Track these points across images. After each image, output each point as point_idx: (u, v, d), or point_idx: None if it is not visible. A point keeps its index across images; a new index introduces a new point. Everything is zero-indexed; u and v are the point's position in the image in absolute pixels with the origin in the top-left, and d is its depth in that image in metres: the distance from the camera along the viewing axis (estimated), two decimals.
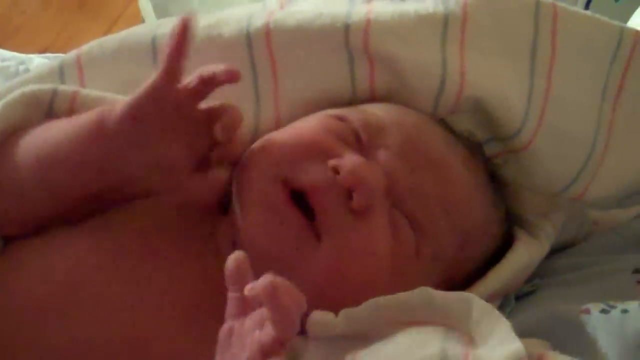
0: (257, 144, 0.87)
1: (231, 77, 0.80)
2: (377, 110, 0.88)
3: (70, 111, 0.88)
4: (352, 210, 0.79)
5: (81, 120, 0.83)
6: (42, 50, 1.53)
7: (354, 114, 0.87)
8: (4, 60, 1.31)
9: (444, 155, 0.87)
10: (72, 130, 0.82)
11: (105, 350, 0.79)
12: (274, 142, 0.85)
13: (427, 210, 0.83)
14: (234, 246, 0.81)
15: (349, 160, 0.81)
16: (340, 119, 0.87)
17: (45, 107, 0.89)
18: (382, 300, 0.76)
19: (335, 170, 0.80)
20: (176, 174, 0.83)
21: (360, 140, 0.85)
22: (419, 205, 0.83)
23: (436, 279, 0.83)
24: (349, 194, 0.80)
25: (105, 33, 2.06)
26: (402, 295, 0.76)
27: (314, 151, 0.83)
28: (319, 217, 0.79)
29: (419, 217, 0.83)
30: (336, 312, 0.76)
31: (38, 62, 1.31)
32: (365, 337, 0.75)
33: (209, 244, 0.85)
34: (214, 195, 0.89)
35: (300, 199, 0.81)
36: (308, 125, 0.87)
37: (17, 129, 0.87)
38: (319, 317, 0.75)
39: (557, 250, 0.99)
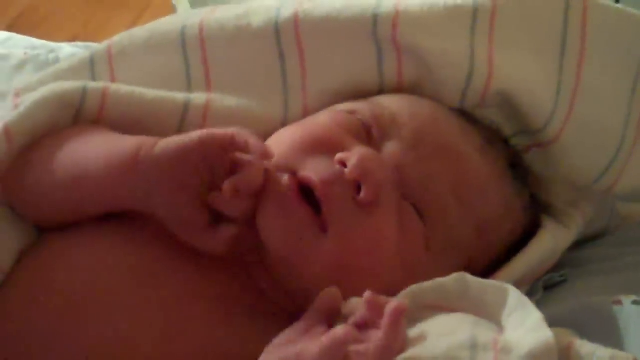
0: (269, 140, 0.88)
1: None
2: (389, 102, 0.89)
3: (101, 110, 0.90)
4: (359, 203, 0.80)
5: (119, 148, 0.83)
6: (70, 40, 1.54)
7: (365, 107, 0.88)
8: (34, 48, 1.33)
9: (457, 144, 0.87)
10: (108, 156, 0.83)
11: (133, 348, 0.80)
12: (284, 139, 0.86)
13: (439, 200, 0.84)
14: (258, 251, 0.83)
15: (356, 153, 0.81)
16: (351, 112, 0.87)
17: (75, 107, 0.90)
18: (418, 286, 0.77)
19: (343, 164, 0.81)
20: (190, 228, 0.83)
21: (371, 134, 0.85)
22: (430, 195, 0.83)
23: (453, 268, 0.82)
24: (356, 187, 0.80)
25: (133, 22, 2.08)
26: (438, 280, 0.77)
27: (322, 146, 0.83)
28: (325, 210, 0.80)
29: (430, 207, 0.83)
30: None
31: (68, 50, 1.33)
32: None
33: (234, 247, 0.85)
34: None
35: (310, 194, 0.81)
36: (318, 121, 0.88)
37: (47, 129, 0.89)
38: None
39: (588, 240, 1.00)
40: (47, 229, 0.88)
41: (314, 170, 0.81)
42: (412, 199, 0.83)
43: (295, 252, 0.80)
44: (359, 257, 0.80)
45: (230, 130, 0.80)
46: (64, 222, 0.87)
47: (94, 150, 0.85)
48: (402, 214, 0.82)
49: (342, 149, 0.82)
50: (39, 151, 0.88)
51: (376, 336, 0.71)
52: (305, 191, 0.81)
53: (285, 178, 0.81)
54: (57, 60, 1.30)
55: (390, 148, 0.84)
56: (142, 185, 0.81)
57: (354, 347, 0.70)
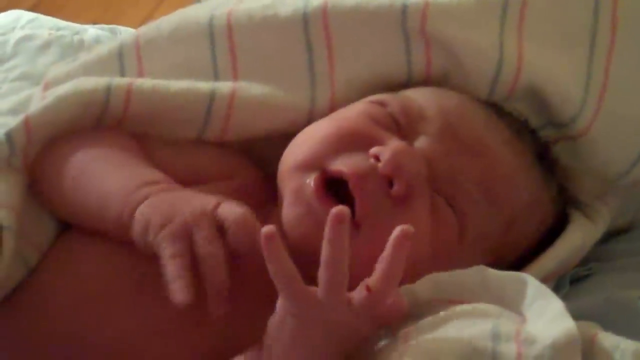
0: (299, 135, 0.89)
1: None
2: (417, 96, 0.89)
3: (126, 107, 0.92)
4: (392, 198, 0.81)
5: (105, 202, 0.84)
6: (90, 23, 1.55)
7: (393, 99, 0.88)
8: (58, 29, 1.33)
9: (485, 138, 0.88)
10: (97, 206, 0.85)
11: (155, 340, 0.82)
12: (315, 133, 0.87)
13: (468, 193, 0.84)
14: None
15: (390, 147, 0.82)
16: (380, 104, 0.88)
17: (100, 105, 0.92)
18: (439, 276, 0.78)
19: (376, 158, 0.82)
20: None
21: (401, 126, 0.86)
22: (460, 189, 0.84)
23: (483, 261, 0.83)
24: (389, 181, 0.81)
25: (154, 8, 2.09)
26: (458, 273, 0.78)
27: (354, 140, 0.84)
28: (358, 204, 0.80)
29: (460, 201, 0.84)
30: None
31: (92, 32, 1.33)
32: (417, 314, 0.77)
33: None
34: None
35: (337, 189, 0.82)
36: (348, 113, 0.89)
37: (70, 125, 0.91)
38: None
39: (614, 234, 1.01)
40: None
41: (346, 165, 0.82)
42: (443, 193, 0.83)
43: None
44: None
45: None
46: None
47: (91, 184, 0.87)
48: (435, 208, 0.83)
49: (375, 143, 0.83)
50: (58, 155, 0.90)
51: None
52: (334, 188, 0.82)
53: (311, 178, 0.82)
54: (81, 42, 1.31)
55: (420, 142, 0.85)
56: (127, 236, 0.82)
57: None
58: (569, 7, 0.94)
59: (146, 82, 0.93)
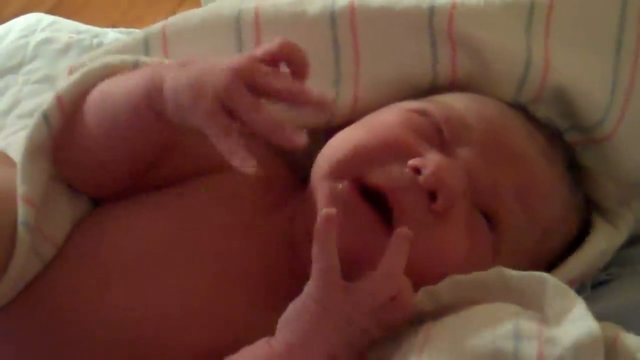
0: (334, 139, 0.89)
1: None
2: (457, 103, 0.90)
3: None
4: (431, 211, 0.81)
5: (133, 86, 0.84)
6: (109, 27, 1.57)
7: (436, 108, 0.88)
8: (79, 32, 1.34)
9: (524, 149, 0.88)
10: (125, 95, 0.85)
11: (174, 318, 0.83)
12: (350, 140, 0.87)
13: (507, 207, 0.85)
14: (309, 236, 0.84)
15: (432, 160, 0.82)
16: (422, 113, 0.88)
17: None
18: (460, 277, 0.79)
19: (416, 170, 0.82)
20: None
21: (443, 137, 0.86)
22: (499, 202, 0.84)
23: None
24: (428, 194, 0.81)
25: (172, 12, 2.11)
26: (478, 274, 0.79)
27: (393, 150, 0.84)
28: (396, 217, 0.81)
29: (499, 215, 0.84)
30: None
31: (112, 36, 1.35)
32: (438, 315, 0.78)
33: (285, 225, 0.88)
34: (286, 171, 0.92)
35: (374, 196, 0.82)
36: (387, 121, 0.88)
37: None
38: None
39: (635, 239, 1.00)
40: (99, 199, 0.92)
41: (384, 178, 0.82)
42: (482, 206, 0.84)
43: (362, 258, 0.79)
44: (427, 265, 0.80)
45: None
46: (113, 185, 0.90)
47: (113, 98, 0.86)
48: (472, 222, 0.83)
49: (414, 155, 0.83)
50: (78, 116, 0.90)
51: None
52: (372, 197, 0.82)
53: (344, 184, 0.82)
54: (101, 45, 1.32)
55: (462, 153, 0.85)
56: (167, 125, 0.83)
57: None
58: (595, 11, 0.95)
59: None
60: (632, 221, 0.97)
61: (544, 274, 0.77)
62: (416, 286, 0.79)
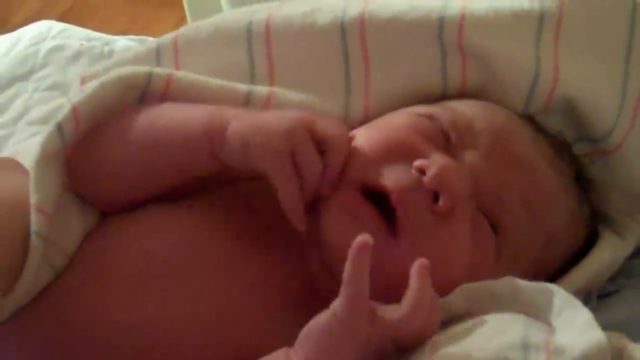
0: None
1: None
2: (465, 109, 0.90)
3: (165, 95, 0.93)
4: (435, 213, 0.81)
5: (189, 121, 0.86)
6: (118, 34, 1.58)
7: (443, 113, 0.88)
8: (89, 40, 1.35)
9: (531, 156, 0.88)
10: (181, 130, 0.86)
11: (186, 328, 0.83)
12: (358, 142, 0.86)
13: (512, 212, 0.85)
14: (317, 245, 0.85)
15: (437, 161, 0.82)
16: (429, 117, 0.88)
17: (140, 90, 0.93)
18: (471, 286, 0.79)
19: (421, 171, 0.82)
20: None
21: (449, 140, 0.86)
22: (504, 207, 0.84)
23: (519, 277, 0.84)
24: (432, 196, 0.81)
25: (181, 19, 2.12)
26: (488, 283, 0.79)
27: (399, 151, 0.84)
28: (400, 217, 0.81)
29: (503, 219, 0.84)
30: None
31: (123, 43, 1.35)
32: (444, 324, 0.78)
33: (297, 239, 0.87)
34: None
35: (379, 200, 0.82)
36: (394, 124, 0.89)
37: (112, 110, 0.91)
38: None
39: None
40: (108, 212, 0.92)
41: (389, 177, 0.82)
42: (486, 210, 0.84)
43: None
44: (431, 267, 0.79)
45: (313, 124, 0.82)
46: (127, 201, 0.90)
47: (165, 122, 0.87)
48: (476, 225, 0.83)
49: (420, 156, 0.83)
50: (109, 129, 0.90)
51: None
52: (376, 198, 0.82)
53: (354, 185, 0.83)
54: (111, 52, 1.33)
55: (468, 157, 0.85)
56: (220, 159, 0.85)
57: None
58: (605, 22, 0.95)
59: (186, 75, 0.94)
60: (638, 232, 0.97)
61: (552, 285, 0.77)
62: None
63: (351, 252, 0.73)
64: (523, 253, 0.86)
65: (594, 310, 0.85)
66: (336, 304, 0.74)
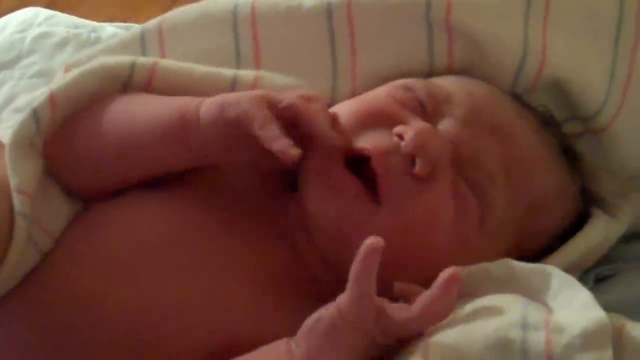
0: None
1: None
2: (444, 82, 0.90)
3: (149, 84, 0.92)
4: (415, 177, 0.81)
5: (163, 113, 0.86)
6: (106, 21, 1.57)
7: (421, 84, 0.89)
8: (76, 27, 1.35)
9: (510, 124, 0.88)
10: (154, 121, 0.86)
11: (175, 314, 0.82)
12: (341, 113, 0.87)
13: (491, 176, 0.84)
14: (300, 221, 0.85)
15: (414, 126, 0.83)
16: (407, 88, 0.88)
17: (123, 80, 0.92)
18: (468, 269, 0.79)
19: (400, 137, 0.82)
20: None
21: (426, 110, 0.86)
22: (483, 172, 0.84)
23: (503, 247, 0.85)
24: (412, 160, 0.82)
25: (169, 7, 2.11)
26: (485, 265, 0.79)
27: (379, 119, 0.85)
28: (380, 182, 0.81)
29: (483, 184, 0.84)
30: (397, 279, 0.79)
31: (110, 30, 1.35)
32: None
33: (284, 219, 0.87)
34: None
35: (360, 168, 0.82)
36: (373, 94, 0.89)
37: (93, 99, 0.91)
38: (403, 287, 0.79)
39: (638, 235, 1.00)
40: (89, 199, 0.91)
41: (369, 142, 0.83)
42: (466, 175, 0.84)
43: (347, 225, 0.81)
44: (412, 231, 0.81)
45: (284, 100, 0.82)
46: (108, 189, 0.89)
47: (140, 114, 0.87)
48: (457, 190, 0.83)
49: (398, 122, 0.84)
50: (87, 118, 0.90)
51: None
52: (358, 166, 0.82)
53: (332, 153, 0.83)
54: (98, 39, 1.32)
55: (445, 124, 0.86)
56: (194, 148, 0.84)
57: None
58: (594, 1, 0.94)
59: (170, 63, 0.94)
60: (631, 212, 0.97)
61: (549, 267, 0.77)
62: (402, 259, 0.80)
63: (360, 252, 0.72)
64: (505, 220, 0.85)
65: (592, 292, 0.85)
66: (342, 302, 0.74)
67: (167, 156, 0.87)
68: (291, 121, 0.81)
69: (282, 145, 0.78)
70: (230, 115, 0.81)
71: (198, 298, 0.82)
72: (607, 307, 0.75)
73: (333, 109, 0.88)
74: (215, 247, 0.85)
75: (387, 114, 0.85)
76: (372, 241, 0.72)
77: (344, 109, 0.87)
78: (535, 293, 0.76)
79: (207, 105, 0.83)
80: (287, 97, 0.82)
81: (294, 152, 0.78)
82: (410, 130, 0.82)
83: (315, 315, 0.75)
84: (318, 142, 0.82)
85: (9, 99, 1.25)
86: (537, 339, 0.69)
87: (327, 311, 0.75)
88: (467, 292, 0.78)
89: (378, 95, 0.89)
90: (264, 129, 0.79)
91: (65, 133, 0.90)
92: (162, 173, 0.88)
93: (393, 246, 0.77)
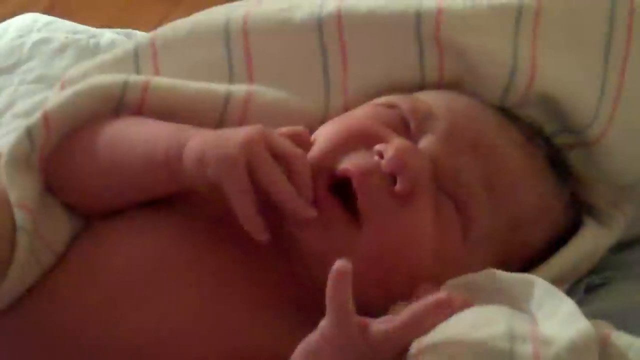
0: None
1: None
2: (427, 97, 0.90)
3: (142, 103, 0.93)
4: (396, 195, 0.81)
5: (150, 144, 0.86)
6: (105, 27, 1.58)
7: (403, 101, 0.89)
8: (75, 33, 1.35)
9: (492, 138, 0.88)
10: (143, 154, 0.86)
11: (175, 335, 0.83)
12: (323, 135, 0.87)
13: (472, 193, 0.84)
14: (295, 242, 0.84)
15: (393, 144, 0.82)
16: (388, 106, 0.88)
17: (116, 100, 0.93)
18: (453, 282, 0.79)
19: (380, 155, 0.82)
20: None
21: (408, 127, 0.86)
22: (464, 188, 0.84)
23: (489, 260, 0.85)
24: (393, 179, 0.81)
25: (168, 12, 2.12)
26: (470, 276, 0.79)
27: (359, 139, 0.84)
28: (361, 202, 0.81)
29: (464, 200, 0.84)
30: (383, 298, 0.79)
31: (109, 36, 1.35)
32: None
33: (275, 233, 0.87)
34: None
35: (343, 188, 0.82)
36: (354, 115, 0.90)
37: (86, 120, 0.92)
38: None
39: (630, 243, 1.00)
40: (90, 215, 0.91)
41: (351, 163, 0.82)
42: (447, 191, 0.84)
43: (329, 249, 0.80)
44: (395, 251, 0.81)
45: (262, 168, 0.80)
46: (104, 209, 0.90)
47: (131, 143, 0.88)
48: (439, 206, 0.83)
49: (379, 141, 0.83)
50: (81, 139, 0.91)
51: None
52: (338, 186, 0.82)
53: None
54: (97, 45, 1.33)
55: (425, 141, 0.85)
56: (180, 182, 0.85)
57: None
58: (584, 14, 0.94)
59: (163, 81, 0.94)
60: (623, 222, 0.97)
61: (532, 276, 0.78)
62: (385, 278, 0.80)
63: (330, 278, 0.72)
64: (488, 236, 0.86)
65: (583, 302, 0.87)
66: (324, 326, 0.73)
67: (154, 187, 0.87)
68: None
69: (253, 227, 0.80)
70: (207, 174, 0.81)
71: (196, 318, 0.83)
72: (596, 316, 0.76)
73: (318, 132, 0.89)
74: (210, 266, 0.85)
75: (368, 134, 0.85)
76: (339, 265, 0.71)
77: (326, 131, 0.87)
78: (519, 302, 0.76)
79: (188, 153, 0.82)
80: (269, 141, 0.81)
81: (263, 237, 0.80)
82: (390, 148, 0.82)
83: (301, 345, 0.75)
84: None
85: (9, 105, 1.25)
86: (525, 350, 0.69)
87: (313, 336, 0.74)
88: None
89: (359, 115, 0.89)
90: (238, 201, 0.79)
91: (61, 153, 0.91)
92: (153, 198, 0.88)
93: (376, 265, 0.79)
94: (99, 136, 0.90)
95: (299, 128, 0.86)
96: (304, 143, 0.85)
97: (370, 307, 0.75)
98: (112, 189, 0.89)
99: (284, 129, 0.85)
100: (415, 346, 0.73)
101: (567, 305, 0.73)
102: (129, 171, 0.87)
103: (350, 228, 0.81)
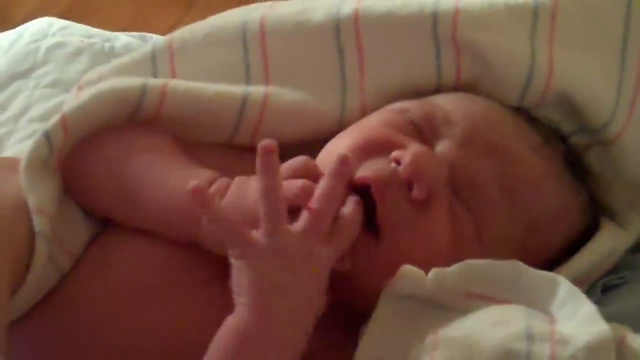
0: (326, 147, 0.90)
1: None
2: (443, 101, 0.90)
3: (160, 106, 0.93)
4: (413, 202, 0.82)
5: (174, 195, 0.86)
6: (120, 30, 1.58)
7: (415, 106, 0.89)
8: (90, 37, 1.35)
9: (508, 143, 0.88)
10: (159, 198, 0.87)
11: (178, 346, 0.84)
12: (339, 145, 0.88)
13: (488, 197, 0.85)
14: None
15: (410, 151, 0.83)
16: (402, 111, 0.89)
17: (134, 103, 0.93)
18: (473, 262, 0.79)
19: (397, 162, 0.83)
20: None
21: (422, 132, 0.87)
22: (479, 192, 0.85)
23: None
24: (409, 185, 0.82)
25: (181, 17, 2.12)
26: (492, 262, 0.79)
27: (376, 147, 0.85)
28: (379, 209, 0.81)
29: (480, 204, 0.84)
30: None
31: (124, 40, 1.35)
32: (443, 310, 0.79)
33: None
34: None
35: (366, 197, 0.82)
36: (369, 121, 0.90)
37: (104, 123, 0.92)
38: (410, 270, 0.79)
39: None
40: (107, 219, 0.92)
41: (369, 170, 0.83)
42: (462, 198, 0.84)
43: (352, 266, 0.81)
44: (413, 258, 0.81)
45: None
46: (113, 220, 0.91)
47: (150, 181, 0.88)
48: (455, 212, 0.83)
49: (396, 148, 0.84)
50: (104, 150, 0.91)
51: None
52: (364, 195, 0.82)
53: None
54: (112, 49, 1.33)
55: (442, 146, 0.86)
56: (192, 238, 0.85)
57: None
58: (600, 14, 0.95)
59: (181, 84, 0.94)
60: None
61: (558, 276, 0.78)
62: None
63: (257, 160, 0.76)
64: (504, 239, 0.86)
65: (599, 302, 0.85)
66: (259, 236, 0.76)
67: (166, 232, 0.87)
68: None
69: None
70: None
71: (208, 319, 0.82)
72: (612, 317, 0.76)
73: (332, 143, 0.89)
74: (220, 270, 0.84)
75: (383, 141, 0.85)
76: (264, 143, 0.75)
77: (342, 143, 0.88)
78: (539, 300, 0.76)
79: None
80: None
81: None
82: (407, 154, 0.82)
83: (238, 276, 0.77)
84: None
85: (25, 109, 1.25)
86: (542, 351, 0.70)
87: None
88: (470, 293, 0.79)
89: (373, 123, 0.89)
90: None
91: (82, 156, 0.91)
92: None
93: (394, 274, 0.79)
94: (123, 159, 0.90)
95: (302, 159, 0.85)
96: (311, 171, 0.84)
97: None
98: (125, 213, 0.90)
99: (289, 164, 0.84)
100: (431, 346, 0.73)
101: (588, 308, 0.74)
102: (143, 213, 0.88)
103: (369, 239, 0.82)
